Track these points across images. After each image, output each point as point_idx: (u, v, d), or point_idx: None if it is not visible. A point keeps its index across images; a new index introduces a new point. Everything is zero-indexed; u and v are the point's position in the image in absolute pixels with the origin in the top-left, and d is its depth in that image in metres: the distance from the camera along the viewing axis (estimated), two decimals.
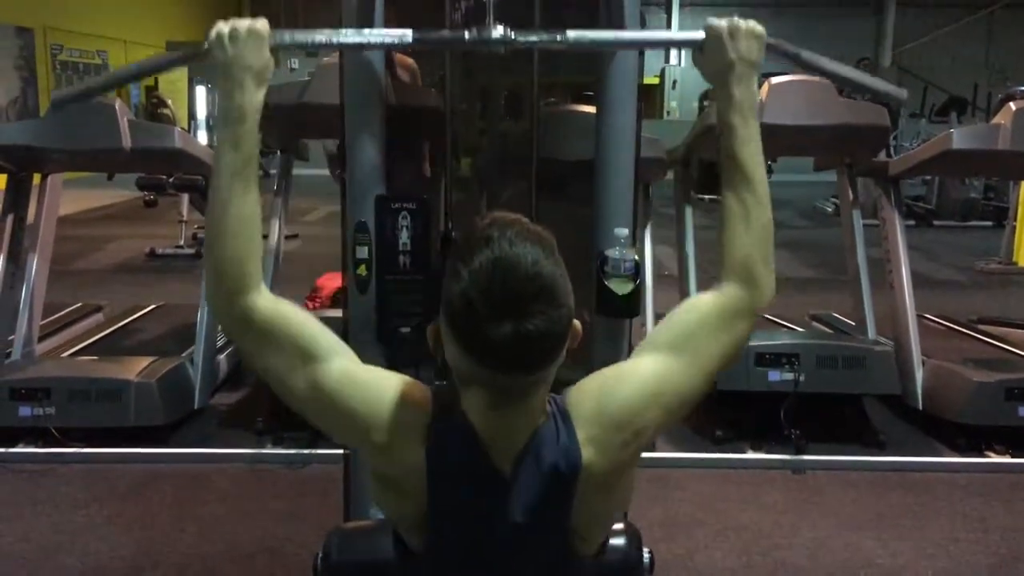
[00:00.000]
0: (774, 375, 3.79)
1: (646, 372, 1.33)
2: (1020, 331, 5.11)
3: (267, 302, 1.35)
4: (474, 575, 1.34)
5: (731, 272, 1.42)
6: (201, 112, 13.93)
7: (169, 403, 3.75)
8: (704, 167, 4.96)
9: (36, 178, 4.28)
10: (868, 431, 3.88)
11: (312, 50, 1.58)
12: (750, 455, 3.70)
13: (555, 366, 1.24)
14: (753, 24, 1.48)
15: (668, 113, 18.33)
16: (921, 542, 3.01)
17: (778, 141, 4.19)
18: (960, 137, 3.85)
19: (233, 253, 1.33)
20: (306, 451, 3.61)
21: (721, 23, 1.48)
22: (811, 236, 9.84)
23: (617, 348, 2.12)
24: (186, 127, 12.82)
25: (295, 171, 4.87)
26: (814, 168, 4.88)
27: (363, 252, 2.10)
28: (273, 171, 4.93)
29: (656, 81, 18.33)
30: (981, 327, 5.13)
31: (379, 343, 2.12)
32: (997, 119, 3.85)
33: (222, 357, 4.36)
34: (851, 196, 4.47)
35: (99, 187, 10.30)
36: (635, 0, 2.03)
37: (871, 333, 4.35)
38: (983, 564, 2.87)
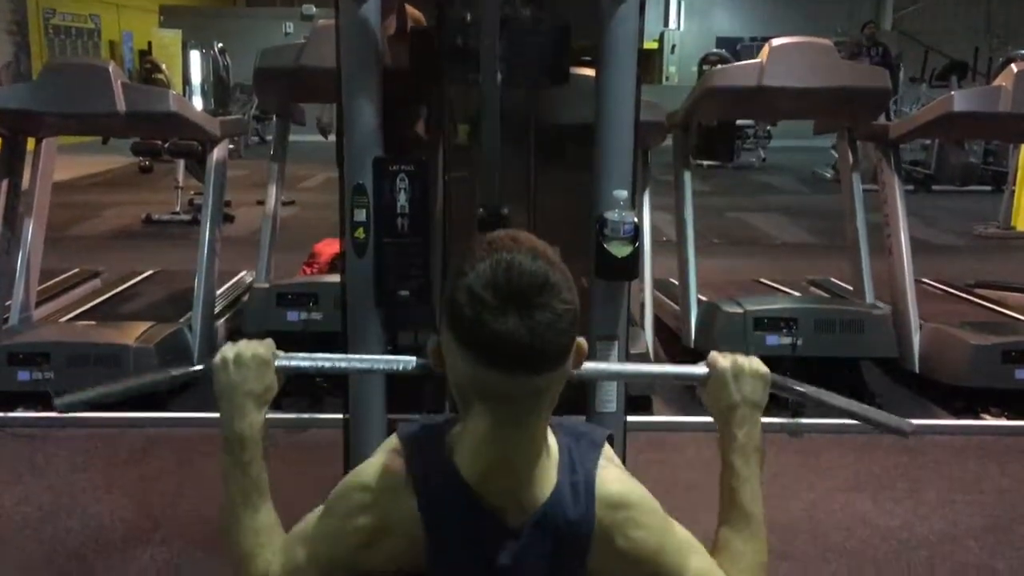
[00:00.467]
0: (772, 339, 3.80)
1: (673, 539, 1.32)
2: (1017, 295, 5.13)
3: (277, 566, 1.36)
4: None
5: None
6: (196, 77, 13.82)
7: (168, 368, 3.74)
8: (703, 132, 4.94)
9: (31, 144, 4.26)
10: (865, 395, 3.89)
11: (317, 373, 1.60)
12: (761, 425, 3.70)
13: (560, 377, 1.21)
14: (757, 364, 1.47)
15: (667, 78, 18.23)
16: (917, 503, 3.03)
17: (779, 104, 4.18)
18: (961, 100, 3.83)
19: (250, 558, 1.37)
20: (306, 415, 3.62)
21: (724, 362, 1.46)
22: (810, 202, 9.83)
23: (616, 311, 2.11)
24: (181, 92, 12.73)
25: (295, 137, 4.84)
26: (814, 132, 4.85)
27: (361, 215, 2.09)
28: (269, 137, 4.91)
29: (655, 46, 18.21)
30: (978, 291, 5.14)
31: (378, 307, 2.12)
32: (998, 81, 3.83)
33: (220, 323, 4.36)
34: (851, 160, 4.46)
35: (94, 153, 10.25)
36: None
37: (869, 298, 4.35)
38: (978, 525, 2.89)
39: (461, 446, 1.26)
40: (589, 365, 1.52)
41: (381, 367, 1.72)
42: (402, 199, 2.09)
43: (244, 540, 1.38)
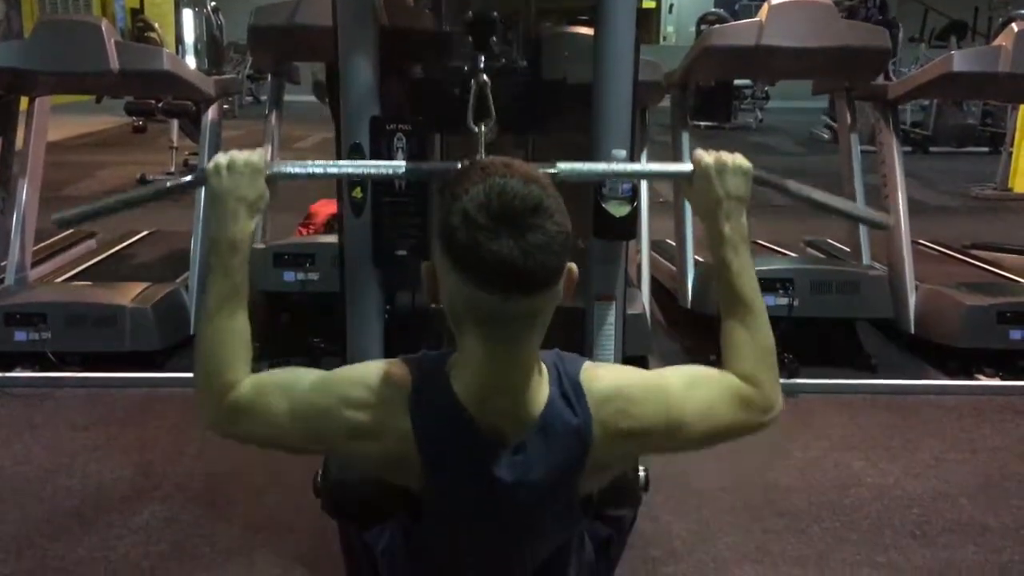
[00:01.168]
0: (769, 299, 3.77)
1: (669, 398, 1.36)
2: (1013, 256, 5.14)
3: (247, 389, 1.37)
4: (474, 543, 1.39)
5: (745, 378, 1.44)
6: (189, 36, 13.68)
7: (164, 328, 3.76)
8: (700, 93, 4.90)
9: (24, 103, 4.22)
10: (860, 355, 3.91)
11: (308, 179, 1.60)
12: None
13: (551, 299, 1.24)
14: (740, 159, 1.51)
15: (665, 38, 18.07)
16: (910, 462, 3.06)
17: (777, 64, 4.14)
18: (961, 59, 3.80)
19: (219, 364, 1.37)
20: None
21: (708, 158, 1.49)
22: (807, 163, 9.79)
23: (614, 271, 2.12)
24: (174, 51, 12.59)
25: (290, 97, 4.80)
26: (812, 92, 4.82)
27: None
28: (264, 97, 4.86)
29: (653, 5, 18.01)
30: (974, 252, 5.15)
31: (376, 266, 2.11)
32: (998, 41, 3.80)
33: None
34: (849, 120, 4.44)
35: (87, 113, 10.18)
36: None
37: (865, 259, 4.36)
38: (971, 483, 2.92)
39: (457, 371, 1.30)
40: (578, 165, 1.57)
41: (372, 171, 1.75)
42: (399, 158, 2.08)
43: (221, 344, 1.38)
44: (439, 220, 1.21)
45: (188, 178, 1.54)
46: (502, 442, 1.29)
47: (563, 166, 1.52)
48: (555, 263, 1.20)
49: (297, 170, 1.53)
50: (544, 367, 1.34)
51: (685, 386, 1.39)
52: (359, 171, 1.78)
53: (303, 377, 1.38)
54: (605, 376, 1.36)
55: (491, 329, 1.23)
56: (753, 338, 1.44)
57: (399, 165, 1.53)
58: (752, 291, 1.47)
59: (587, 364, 1.38)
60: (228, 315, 1.39)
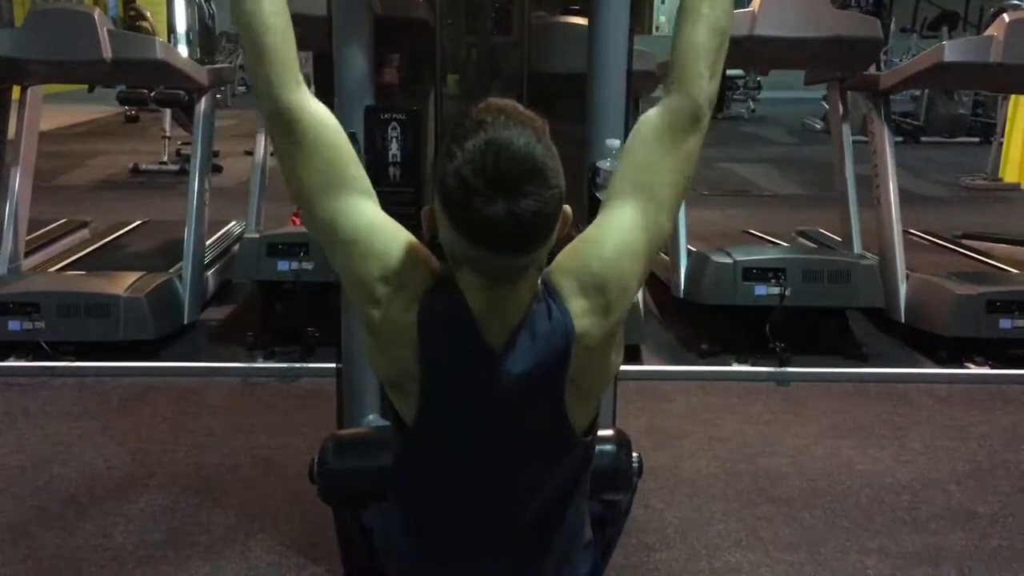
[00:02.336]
0: (760, 289, 3.82)
1: (617, 228, 1.34)
2: (1003, 246, 5.17)
3: (311, 102, 1.34)
4: (468, 448, 1.37)
5: (674, 76, 1.38)
6: (181, 25, 13.61)
7: (158, 318, 3.76)
8: None
9: (16, 92, 4.21)
10: (851, 344, 3.94)
11: None
12: (735, 368, 3.75)
13: (546, 248, 1.26)
14: None
15: (657, 28, 18.03)
16: (900, 450, 3.09)
17: (770, 54, 4.15)
18: (953, 49, 3.82)
19: (271, 42, 1.31)
20: (298, 365, 3.65)
21: None
22: (799, 153, 9.82)
23: None
24: (165, 40, 12.54)
25: None
26: (805, 82, 4.84)
27: None
28: None
29: None
30: (965, 242, 5.17)
31: None
32: (990, 31, 3.81)
33: (210, 273, 4.36)
34: (841, 111, 4.45)
35: (80, 102, 10.12)
36: None
37: (857, 248, 4.38)
38: (960, 470, 2.95)
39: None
40: None
41: None
42: (394, 148, 2.09)
43: (266, 23, 1.31)
44: (437, 170, 1.22)
45: None
46: (496, 347, 1.30)
47: None
48: (548, 224, 1.22)
49: None
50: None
51: (630, 194, 1.36)
52: None
53: (355, 174, 1.35)
54: (563, 257, 1.35)
55: (486, 274, 1.26)
56: (702, 13, 1.37)
57: None
58: None
59: (555, 262, 1.36)
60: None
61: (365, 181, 1.37)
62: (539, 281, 1.32)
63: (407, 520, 1.47)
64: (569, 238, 1.33)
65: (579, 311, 1.30)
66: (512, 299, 1.29)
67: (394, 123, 2.07)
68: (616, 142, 2.03)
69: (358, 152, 2.05)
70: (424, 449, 1.40)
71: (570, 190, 2.04)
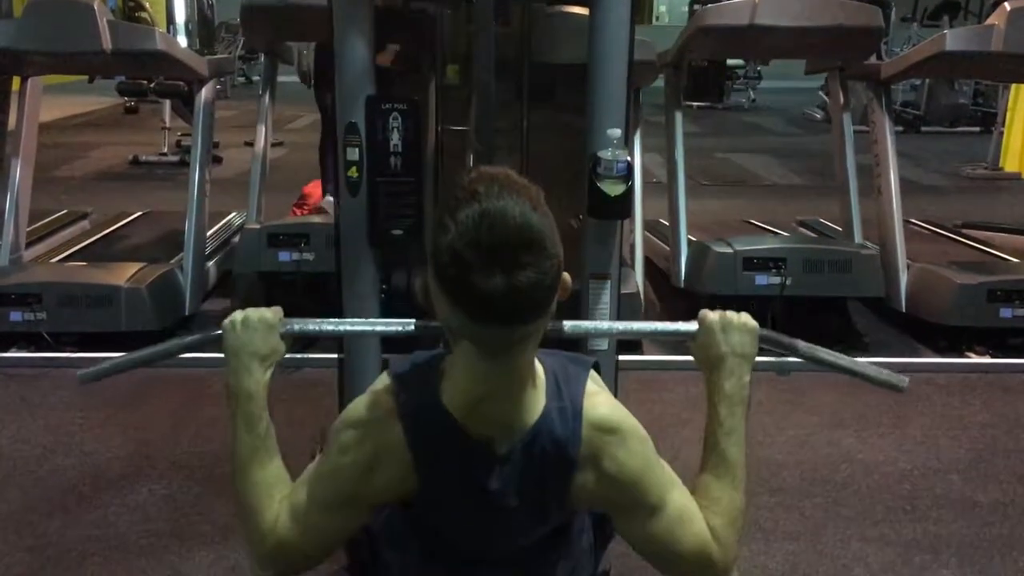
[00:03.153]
0: (761, 279, 3.83)
1: (656, 473, 1.36)
2: (1004, 235, 5.17)
3: (284, 523, 1.39)
4: (467, 523, 1.40)
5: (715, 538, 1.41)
6: (180, 16, 13.57)
7: (160, 309, 3.76)
8: (692, 73, 4.90)
9: (16, 83, 4.20)
10: (852, 334, 3.94)
11: (320, 337, 1.68)
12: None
13: (545, 319, 1.24)
14: (746, 318, 1.48)
15: (657, 18, 18.02)
16: (900, 439, 3.09)
17: (771, 43, 4.15)
18: (954, 39, 3.81)
19: (258, 518, 1.40)
20: (299, 355, 3.64)
21: (714, 316, 1.47)
22: (799, 143, 9.81)
23: (609, 250, 2.13)
24: (165, 31, 12.51)
25: (283, 78, 4.79)
26: (805, 71, 4.84)
27: (353, 154, 2.09)
28: (256, 77, 4.85)
29: None
30: (966, 231, 5.17)
31: (371, 246, 2.13)
32: (991, 20, 3.80)
33: (211, 264, 4.37)
34: (842, 100, 4.45)
35: (79, 93, 10.11)
36: None
37: (857, 238, 4.38)
38: (961, 459, 2.96)
39: (450, 377, 1.31)
40: (580, 324, 1.57)
41: (380, 329, 1.79)
42: (395, 138, 2.09)
43: (252, 494, 1.41)
44: (432, 242, 1.19)
45: (205, 335, 1.58)
46: (490, 448, 1.30)
47: (568, 325, 1.53)
48: (547, 296, 1.19)
49: (311, 327, 1.58)
50: (541, 374, 1.33)
51: (672, 483, 1.38)
52: (368, 329, 1.83)
53: (312, 469, 1.41)
54: (607, 405, 1.35)
55: (484, 348, 1.24)
56: (730, 497, 1.42)
57: (408, 322, 1.56)
58: (738, 452, 1.45)
59: (591, 385, 1.36)
60: (259, 468, 1.43)
61: (324, 493, 1.39)
62: (562, 386, 1.33)
63: (409, 527, 1.50)
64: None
65: (588, 444, 1.32)
66: (509, 376, 1.27)
67: (395, 113, 2.07)
68: (617, 132, 2.02)
69: (359, 143, 2.07)
70: (422, 523, 1.45)
71: (571, 183, 2.05)
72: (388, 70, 2.27)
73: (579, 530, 1.55)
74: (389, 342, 2.16)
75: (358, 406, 1.37)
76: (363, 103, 2.06)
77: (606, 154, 2.01)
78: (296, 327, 1.54)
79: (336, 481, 1.36)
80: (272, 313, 1.50)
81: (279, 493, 1.42)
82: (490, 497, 1.32)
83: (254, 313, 1.49)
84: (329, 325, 1.63)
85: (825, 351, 1.58)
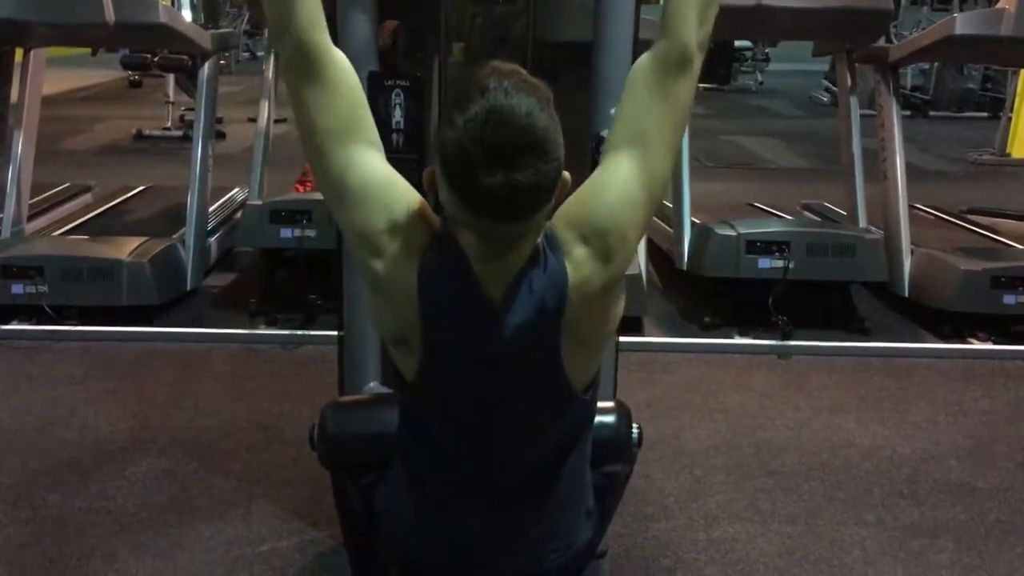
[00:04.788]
0: (764, 262, 3.81)
1: (615, 178, 1.33)
2: (1009, 221, 5.15)
3: (339, 52, 1.33)
4: (467, 401, 1.38)
5: (664, 23, 1.37)
6: None
7: (161, 283, 3.76)
8: None
9: (19, 56, 4.18)
10: (854, 318, 3.93)
11: None
12: (738, 340, 3.75)
13: (545, 214, 1.26)
14: None
15: None
16: (900, 424, 3.09)
17: (778, 25, 4.12)
18: (963, 22, 3.78)
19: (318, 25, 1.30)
20: (300, 332, 3.65)
21: None
22: (806, 126, 9.77)
23: None
24: (169, 4, 12.45)
25: None
26: (813, 54, 4.80)
27: None
28: (260, 52, 4.82)
29: None
30: (971, 217, 5.15)
31: None
32: (1001, 4, 3.77)
33: (213, 240, 4.36)
34: (849, 83, 4.42)
35: (83, 67, 10.08)
36: None
37: (862, 222, 4.37)
38: (960, 445, 2.95)
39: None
40: None
41: None
42: (397, 115, 2.07)
43: None
44: (439, 135, 1.21)
45: None
46: (494, 301, 1.31)
47: None
48: (546, 195, 1.22)
49: None
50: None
51: (627, 143, 1.35)
52: None
53: (368, 127, 1.34)
54: (567, 206, 1.33)
55: (486, 238, 1.27)
56: None
57: None
58: None
59: (559, 210, 1.35)
60: None
61: (376, 134, 1.36)
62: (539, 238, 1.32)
63: (408, 476, 1.49)
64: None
65: (578, 260, 1.30)
66: (511, 258, 1.29)
67: (398, 90, 2.05)
68: None
69: None
70: (424, 403, 1.41)
71: (574, 160, 2.04)
72: (392, 47, 2.26)
73: (580, 486, 1.52)
74: None
75: (411, 201, 1.32)
76: (366, 79, 2.04)
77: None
78: None
79: (363, 170, 1.31)
80: None
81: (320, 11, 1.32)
82: (489, 346, 1.31)
83: None
84: None
85: None
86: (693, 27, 1.35)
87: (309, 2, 1.30)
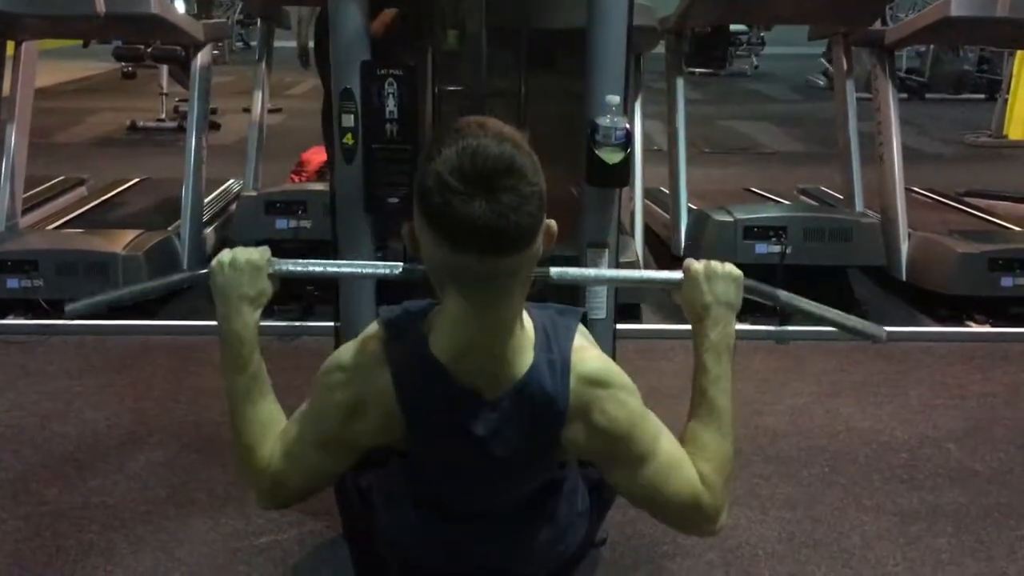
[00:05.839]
0: (761, 248, 3.81)
1: (645, 425, 1.37)
2: (1006, 203, 5.14)
3: (277, 462, 1.44)
4: (456, 473, 1.42)
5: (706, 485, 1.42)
6: None
7: (157, 276, 3.73)
8: (695, 38, 4.85)
9: (10, 48, 4.16)
10: (852, 302, 3.93)
11: (307, 278, 1.62)
12: (736, 326, 3.73)
13: (530, 256, 1.25)
14: (730, 268, 1.49)
15: None
16: (899, 408, 3.09)
17: (774, 8, 4.10)
18: (958, 4, 3.75)
19: (252, 456, 1.44)
20: (297, 324, 3.64)
21: (699, 266, 1.48)
22: (802, 110, 9.75)
23: (607, 219, 2.11)
24: None
25: (280, 43, 4.75)
26: (809, 37, 4.77)
27: (349, 120, 2.06)
28: (254, 42, 4.80)
29: None
30: (968, 200, 5.14)
31: (367, 213, 2.11)
32: None
33: (209, 231, 4.35)
34: (845, 66, 4.40)
35: (76, 58, 10.05)
36: None
37: (858, 206, 4.36)
38: (959, 428, 2.95)
39: (438, 326, 1.32)
40: (570, 270, 1.57)
41: (368, 272, 1.75)
42: (391, 104, 2.06)
43: (247, 432, 1.44)
44: (417, 182, 1.22)
45: (196, 272, 1.59)
46: (478, 397, 1.31)
47: (555, 271, 1.52)
48: (529, 223, 1.20)
49: (298, 268, 1.56)
50: (530, 327, 1.34)
51: (660, 432, 1.40)
52: (356, 271, 1.80)
53: (302, 409, 1.45)
54: (596, 359, 1.37)
55: (470, 289, 1.25)
56: (718, 443, 1.43)
57: (396, 265, 1.55)
58: (725, 400, 1.46)
59: (579, 340, 1.38)
60: (252, 406, 1.46)
61: (312, 432, 1.43)
62: (553, 339, 1.34)
63: (406, 478, 1.50)
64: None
65: (578, 400, 1.33)
66: (496, 327, 1.29)
67: (391, 79, 2.04)
68: (616, 98, 2.00)
69: (354, 109, 2.04)
70: (417, 472, 1.47)
71: (570, 151, 2.03)
72: (385, 36, 2.24)
73: (572, 490, 1.55)
74: (382, 295, 2.15)
75: (348, 349, 1.40)
76: (359, 68, 2.03)
77: (604, 121, 1.98)
78: (284, 267, 1.54)
79: (321, 421, 1.40)
80: (259, 253, 1.50)
81: (273, 431, 1.45)
82: (478, 444, 1.33)
83: (242, 254, 1.49)
84: (317, 267, 1.61)
85: (807, 301, 1.61)
86: (723, 500, 1.42)
87: (260, 463, 1.43)
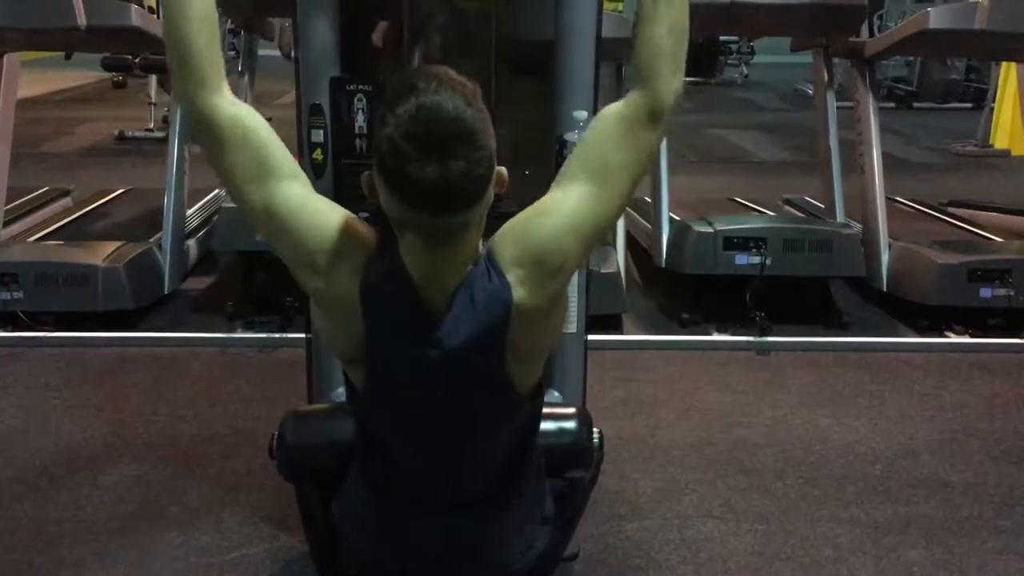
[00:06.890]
0: (741, 259, 3.82)
1: (564, 207, 1.36)
2: (989, 213, 5.15)
3: (230, 104, 1.36)
4: (415, 411, 1.41)
5: (637, 78, 1.41)
6: None
7: (137, 288, 3.75)
8: (688, 48, 4.86)
9: None
10: (832, 313, 3.94)
11: None
12: (716, 337, 3.75)
13: (482, 207, 1.29)
14: None
15: None
16: (876, 419, 3.10)
17: (754, 21, 4.11)
18: (937, 16, 3.78)
19: (195, 48, 1.33)
20: (276, 335, 3.64)
21: None
22: (790, 119, 9.77)
23: None
24: (143, 7, 12.39)
25: (268, 53, 4.75)
26: (791, 49, 4.79)
27: (318, 136, 2.07)
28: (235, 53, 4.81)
29: None
30: (951, 210, 5.16)
31: None
32: None
33: (191, 242, 4.35)
34: (826, 78, 4.42)
35: (67, 68, 10.03)
36: None
37: (840, 216, 4.37)
38: (935, 439, 2.96)
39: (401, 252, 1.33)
40: None
41: None
42: (360, 120, 2.07)
43: (189, 27, 1.32)
44: (374, 136, 1.25)
45: None
46: (436, 312, 1.33)
47: None
48: (479, 185, 1.25)
49: None
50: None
51: (582, 178, 1.37)
52: None
53: (280, 162, 1.36)
54: (507, 226, 1.37)
55: (426, 236, 1.29)
56: (659, 14, 1.37)
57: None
58: None
59: (500, 230, 1.38)
60: None
61: (292, 164, 1.39)
62: (480, 245, 1.35)
63: (367, 485, 1.51)
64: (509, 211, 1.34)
65: (516, 280, 1.33)
66: (452, 261, 1.31)
67: (360, 94, 2.05)
68: (584, 114, 2.01)
69: (323, 124, 2.05)
70: (375, 417, 1.44)
71: (543, 163, 2.03)
72: (356, 50, 2.24)
73: (536, 493, 1.54)
74: None
75: (342, 218, 1.36)
76: (327, 84, 2.04)
77: (572, 137, 1.99)
78: None
79: (294, 214, 1.35)
80: None
81: (217, 47, 1.36)
82: (434, 358, 1.33)
83: None
84: None
85: None
86: (667, 81, 1.38)
87: (199, 68, 1.33)
